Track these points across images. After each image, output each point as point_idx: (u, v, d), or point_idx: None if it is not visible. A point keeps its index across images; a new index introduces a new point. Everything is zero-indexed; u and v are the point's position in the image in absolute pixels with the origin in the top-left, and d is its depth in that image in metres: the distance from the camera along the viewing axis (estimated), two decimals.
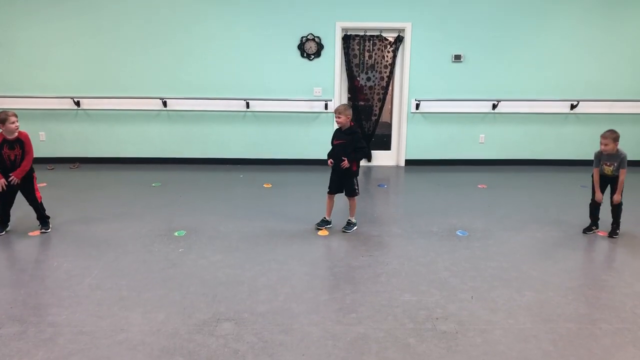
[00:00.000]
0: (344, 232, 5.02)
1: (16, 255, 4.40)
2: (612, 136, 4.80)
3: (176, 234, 4.95)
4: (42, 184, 6.66)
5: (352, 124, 4.93)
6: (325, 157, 5.07)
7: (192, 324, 3.27)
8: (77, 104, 7.80)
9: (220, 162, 8.13)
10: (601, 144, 4.86)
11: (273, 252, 4.51)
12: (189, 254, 4.45)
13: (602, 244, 4.82)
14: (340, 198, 5.12)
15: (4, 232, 4.84)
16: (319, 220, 5.18)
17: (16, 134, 4.67)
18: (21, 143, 4.71)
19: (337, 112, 4.81)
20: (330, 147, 5.01)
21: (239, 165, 8.04)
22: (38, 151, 7.73)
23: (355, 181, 5.00)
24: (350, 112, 4.86)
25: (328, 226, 5.13)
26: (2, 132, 4.63)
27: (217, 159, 8.14)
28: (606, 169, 4.93)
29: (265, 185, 6.85)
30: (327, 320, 3.34)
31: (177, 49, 7.71)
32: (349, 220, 5.12)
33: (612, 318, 3.39)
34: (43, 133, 7.91)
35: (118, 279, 3.93)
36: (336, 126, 5.00)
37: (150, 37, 7.64)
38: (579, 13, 7.72)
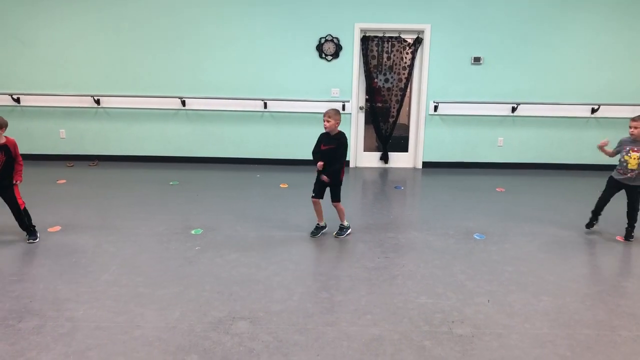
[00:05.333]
0: (336, 237, 4.93)
1: (35, 251, 4.46)
2: None
3: (193, 232, 4.98)
4: (62, 181, 6.77)
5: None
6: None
7: (207, 322, 3.29)
8: (97, 102, 7.89)
9: (237, 162, 8.16)
10: (630, 127, 4.77)
11: (288, 252, 4.51)
12: (205, 252, 4.48)
13: (621, 249, 4.74)
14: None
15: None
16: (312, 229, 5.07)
17: (3, 140, 4.49)
18: (7, 150, 4.49)
19: (327, 115, 4.70)
20: (312, 147, 4.87)
21: (256, 165, 8.07)
22: (58, 148, 7.95)
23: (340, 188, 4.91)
24: (339, 117, 4.75)
25: (323, 231, 5.02)
26: None
27: (235, 158, 8.18)
28: (632, 156, 4.73)
29: (281, 186, 6.86)
30: (342, 321, 3.34)
31: (197, 49, 7.76)
32: (341, 225, 5.00)
33: (632, 325, 3.34)
34: (63, 130, 8.01)
35: (135, 275, 3.97)
36: (323, 129, 4.84)
37: (170, 37, 7.71)
38: (600, 16, 7.62)
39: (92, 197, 6.10)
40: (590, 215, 5.19)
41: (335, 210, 4.96)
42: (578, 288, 3.89)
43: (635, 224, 4.94)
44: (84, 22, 7.65)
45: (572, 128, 8.02)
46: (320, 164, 4.75)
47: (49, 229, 4.92)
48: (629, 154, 4.79)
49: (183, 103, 7.89)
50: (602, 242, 4.92)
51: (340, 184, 4.87)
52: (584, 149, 8.09)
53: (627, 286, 3.95)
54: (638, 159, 4.74)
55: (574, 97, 7.87)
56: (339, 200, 4.89)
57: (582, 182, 7.33)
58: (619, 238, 4.97)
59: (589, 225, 5.19)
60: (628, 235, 4.94)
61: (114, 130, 8.08)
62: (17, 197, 4.62)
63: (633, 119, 4.78)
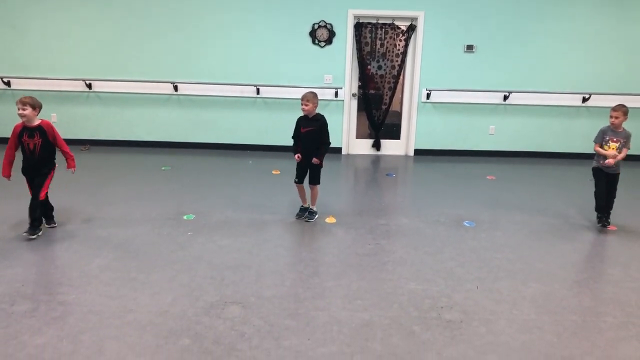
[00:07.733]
0: (306, 221, 4.98)
1: (27, 236, 4.45)
2: (622, 109, 4.80)
3: (185, 217, 4.99)
4: None
5: None
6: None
7: (199, 307, 3.31)
8: (89, 86, 7.84)
9: (229, 148, 8.16)
10: (611, 117, 4.83)
11: (281, 238, 4.54)
12: (197, 237, 4.50)
13: (609, 238, 4.80)
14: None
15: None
16: (298, 211, 5.16)
17: (37, 122, 4.44)
18: (42, 131, 4.41)
19: (305, 99, 4.72)
20: (291, 133, 4.97)
21: (248, 151, 8.07)
22: None
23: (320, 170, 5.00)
24: (317, 100, 4.80)
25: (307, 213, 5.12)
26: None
27: (227, 144, 8.17)
28: (611, 147, 4.81)
29: (274, 172, 6.87)
30: (333, 306, 3.38)
31: (190, 34, 7.71)
32: (310, 209, 5.08)
33: (617, 311, 3.40)
34: (55, 114, 7.95)
35: (127, 260, 3.98)
36: (302, 113, 4.86)
37: (163, 22, 7.65)
38: (593, 5, 7.64)
39: (83, 182, 6.08)
40: (597, 214, 5.03)
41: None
42: (565, 275, 3.94)
43: (611, 211, 5.01)
44: (76, 5, 7.57)
45: (563, 117, 8.07)
46: (298, 156, 4.91)
47: None
48: (608, 144, 4.86)
49: (175, 88, 7.86)
50: (590, 230, 4.98)
51: (321, 167, 4.96)
52: (574, 137, 8.15)
53: (612, 274, 4.01)
54: (616, 149, 4.81)
55: (565, 86, 7.92)
56: (318, 183, 4.99)
57: (572, 171, 7.39)
58: (610, 227, 5.01)
59: (602, 223, 4.93)
60: (605, 221, 4.97)
61: (106, 114, 8.04)
62: (45, 186, 4.46)
63: (613, 109, 4.84)
